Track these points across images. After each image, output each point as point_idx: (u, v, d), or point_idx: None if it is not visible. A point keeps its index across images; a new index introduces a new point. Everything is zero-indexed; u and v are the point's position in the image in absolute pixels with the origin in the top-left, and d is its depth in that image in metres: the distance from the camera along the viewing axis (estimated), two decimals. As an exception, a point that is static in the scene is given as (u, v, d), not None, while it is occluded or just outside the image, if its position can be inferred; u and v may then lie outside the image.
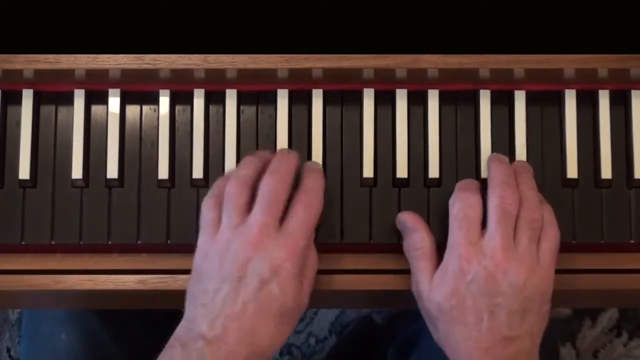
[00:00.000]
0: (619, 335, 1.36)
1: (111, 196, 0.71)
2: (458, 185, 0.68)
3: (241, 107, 0.72)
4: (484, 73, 0.70)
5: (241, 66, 0.70)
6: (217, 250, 0.64)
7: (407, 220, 0.69)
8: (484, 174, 0.70)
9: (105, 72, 0.70)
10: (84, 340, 0.84)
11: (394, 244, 0.70)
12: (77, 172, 0.71)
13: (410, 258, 0.68)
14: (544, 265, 0.65)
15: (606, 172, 0.71)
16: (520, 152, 0.71)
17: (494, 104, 0.71)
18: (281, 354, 1.33)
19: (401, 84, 0.71)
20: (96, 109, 0.72)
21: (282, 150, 0.70)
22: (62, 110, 0.72)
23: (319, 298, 0.69)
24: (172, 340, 0.65)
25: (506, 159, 0.69)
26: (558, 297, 0.67)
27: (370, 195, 0.71)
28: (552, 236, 0.67)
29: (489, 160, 0.69)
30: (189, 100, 0.72)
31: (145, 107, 0.72)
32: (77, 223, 0.71)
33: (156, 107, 0.72)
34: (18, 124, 0.71)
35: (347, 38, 0.69)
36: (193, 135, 0.71)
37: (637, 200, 0.71)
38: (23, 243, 0.71)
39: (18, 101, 0.71)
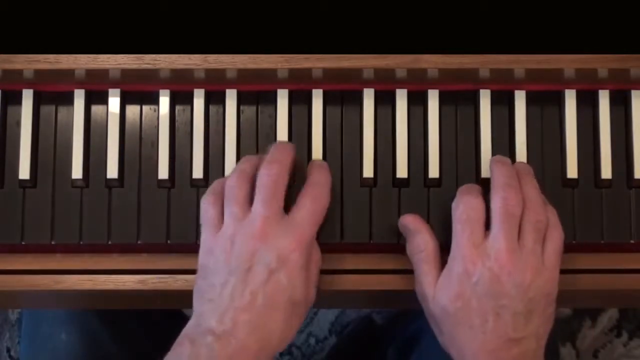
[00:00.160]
0: (619, 335, 1.36)
1: (111, 196, 0.71)
2: (460, 189, 0.68)
3: (241, 107, 0.72)
4: (484, 73, 0.70)
5: (241, 66, 0.70)
6: (222, 245, 0.64)
7: (409, 223, 0.69)
8: (484, 174, 0.70)
9: (105, 72, 0.70)
10: (84, 340, 0.84)
11: (394, 244, 0.70)
12: (77, 172, 0.71)
13: (414, 261, 0.68)
14: (548, 267, 0.65)
15: (606, 172, 0.71)
16: (520, 152, 0.71)
17: (494, 104, 0.71)
18: (281, 354, 1.33)
19: (401, 84, 0.71)
20: (96, 109, 0.72)
21: (279, 141, 0.70)
22: (62, 110, 0.72)
23: (319, 298, 0.68)
24: (181, 337, 0.64)
25: (508, 160, 0.69)
26: (558, 297, 0.67)
27: (370, 195, 0.71)
28: (556, 238, 0.67)
29: (491, 162, 0.69)
30: (189, 100, 0.72)
31: (145, 107, 0.72)
32: (77, 223, 0.71)
33: (156, 107, 0.72)
34: (18, 124, 0.71)
35: (347, 38, 0.69)
36: (193, 135, 0.72)
37: (637, 200, 0.71)
38: (23, 243, 0.71)
39: (18, 101, 0.71)
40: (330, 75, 0.71)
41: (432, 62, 0.69)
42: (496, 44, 0.69)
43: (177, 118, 0.72)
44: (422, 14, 0.70)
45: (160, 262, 0.71)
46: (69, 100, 0.72)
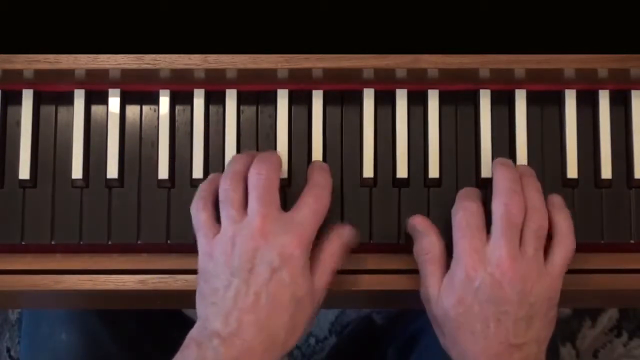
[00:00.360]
0: (619, 335, 1.36)
1: (111, 196, 0.71)
2: (459, 194, 0.68)
3: (241, 107, 0.72)
4: (484, 73, 0.70)
5: (241, 66, 0.70)
6: (221, 248, 0.64)
7: (418, 224, 0.68)
8: (484, 174, 0.70)
9: (105, 72, 0.70)
10: (84, 340, 0.84)
11: (394, 244, 0.70)
12: (77, 172, 0.70)
13: (420, 262, 0.68)
14: (552, 273, 0.65)
15: (606, 172, 0.71)
16: (521, 152, 0.71)
17: (494, 103, 0.71)
18: (281, 353, 1.33)
19: (401, 84, 0.71)
20: (96, 109, 0.72)
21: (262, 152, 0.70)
22: (62, 110, 0.72)
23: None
24: (188, 340, 0.64)
25: (511, 162, 0.69)
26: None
27: (370, 195, 0.71)
28: (567, 245, 0.66)
29: (494, 164, 0.69)
30: (189, 100, 0.72)
31: (145, 107, 0.72)
32: (77, 223, 0.71)
33: (156, 107, 0.72)
34: (18, 124, 0.71)
35: (347, 38, 0.69)
36: (193, 135, 0.71)
37: (637, 200, 0.71)
38: (23, 243, 0.71)
39: (18, 101, 0.71)
40: (330, 75, 0.71)
41: (432, 62, 0.69)
42: (496, 44, 0.69)
43: (177, 118, 0.72)
44: (422, 14, 0.70)
45: (160, 262, 0.71)
46: (69, 100, 0.71)
